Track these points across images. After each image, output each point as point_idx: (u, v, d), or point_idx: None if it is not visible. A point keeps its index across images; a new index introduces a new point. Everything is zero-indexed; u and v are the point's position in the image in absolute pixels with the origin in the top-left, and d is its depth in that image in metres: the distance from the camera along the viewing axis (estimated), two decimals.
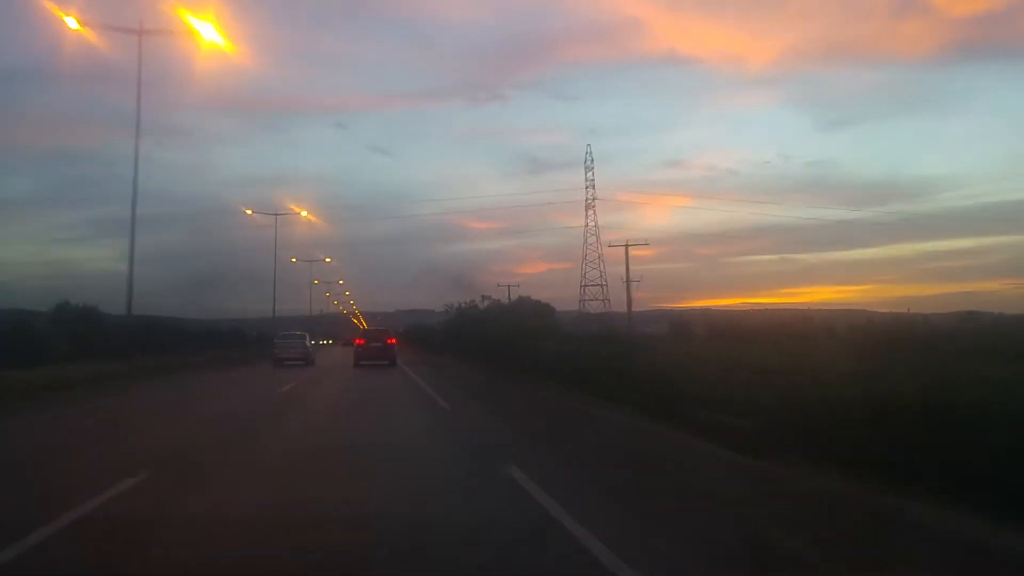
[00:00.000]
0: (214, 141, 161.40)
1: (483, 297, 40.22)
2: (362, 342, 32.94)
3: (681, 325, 36.12)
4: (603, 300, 74.42)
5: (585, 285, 77.27)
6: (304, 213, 56.13)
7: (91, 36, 25.91)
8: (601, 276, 76.78)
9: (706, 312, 70.10)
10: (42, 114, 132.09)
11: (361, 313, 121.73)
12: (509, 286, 58.48)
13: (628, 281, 58.08)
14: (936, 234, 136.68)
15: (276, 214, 54.80)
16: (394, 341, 32.81)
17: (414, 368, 28.31)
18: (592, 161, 79.56)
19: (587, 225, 79.78)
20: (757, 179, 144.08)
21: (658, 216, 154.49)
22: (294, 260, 70.26)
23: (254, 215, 56.94)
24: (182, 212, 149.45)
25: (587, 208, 79.04)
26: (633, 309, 56.52)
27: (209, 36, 24.85)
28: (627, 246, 59.03)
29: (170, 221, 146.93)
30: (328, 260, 76.44)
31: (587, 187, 79.28)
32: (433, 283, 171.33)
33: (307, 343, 35.90)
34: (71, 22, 24.34)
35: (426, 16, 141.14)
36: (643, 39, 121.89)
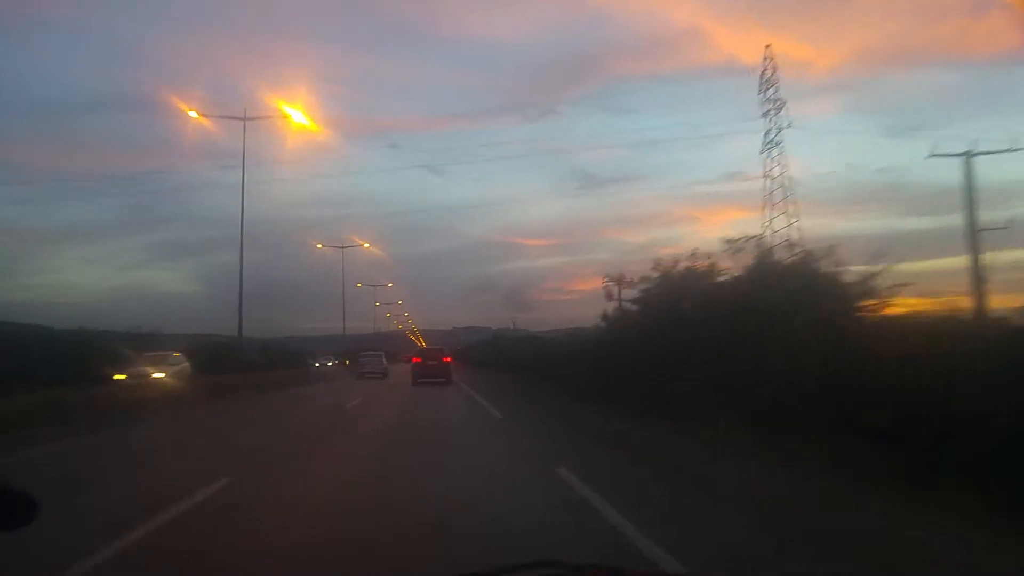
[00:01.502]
0: (270, 162, 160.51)
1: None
2: (419, 360, 34.12)
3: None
4: None
5: None
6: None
7: None
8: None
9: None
10: (113, 140, 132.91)
11: (419, 331, 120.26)
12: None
13: (977, 229, 28.47)
14: (1018, 243, 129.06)
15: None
16: (449, 360, 34.04)
17: None
18: (774, 72, 48.74)
19: (769, 172, 47.95)
20: (821, 190, 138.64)
21: (717, 230, 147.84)
22: (359, 285, 72.52)
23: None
24: (234, 234, 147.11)
25: (767, 144, 48.34)
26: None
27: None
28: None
29: (227, 243, 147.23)
30: (390, 285, 79.53)
31: (767, 113, 48.53)
32: (488, 300, 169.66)
33: (383, 361, 44.34)
34: None
35: (477, 35, 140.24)
36: (700, 49, 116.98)
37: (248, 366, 34.28)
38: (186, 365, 28.80)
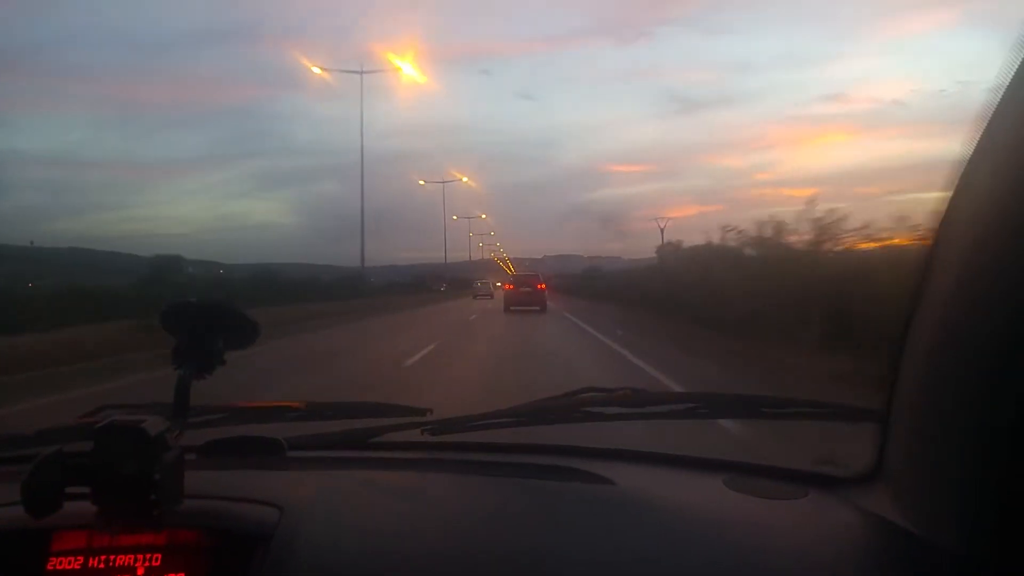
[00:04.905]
0: (362, 92, 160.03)
1: None
2: (511, 287, 33.37)
3: None
4: None
5: None
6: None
7: None
8: None
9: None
10: (209, 72, 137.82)
11: (510, 259, 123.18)
12: None
13: None
14: None
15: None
16: (543, 287, 32.60)
17: None
18: None
19: None
20: (929, 111, 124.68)
21: (814, 154, 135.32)
22: (455, 218, 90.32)
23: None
24: (331, 164, 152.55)
25: None
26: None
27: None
28: None
29: (321, 173, 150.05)
30: (483, 217, 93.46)
31: None
32: (580, 228, 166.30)
33: (491, 287, 61.54)
34: None
35: None
36: None
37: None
38: None
